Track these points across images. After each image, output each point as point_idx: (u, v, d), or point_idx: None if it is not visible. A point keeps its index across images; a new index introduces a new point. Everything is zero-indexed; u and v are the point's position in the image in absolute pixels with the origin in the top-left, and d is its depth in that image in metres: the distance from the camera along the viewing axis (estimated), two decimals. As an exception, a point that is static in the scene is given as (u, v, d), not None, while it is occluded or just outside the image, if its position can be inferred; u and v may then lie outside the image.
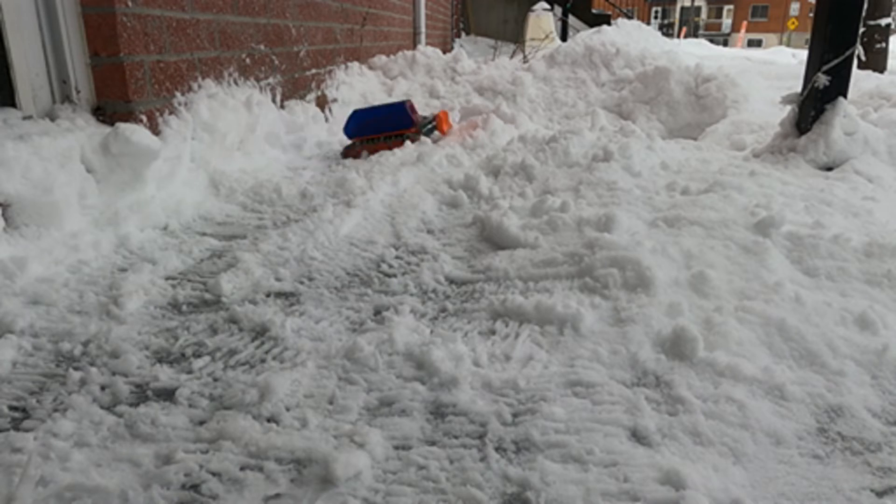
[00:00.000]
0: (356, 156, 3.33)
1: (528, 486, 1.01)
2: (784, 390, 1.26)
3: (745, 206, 2.24)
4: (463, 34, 12.10)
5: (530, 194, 2.55)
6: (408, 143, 3.35)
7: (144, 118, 2.35)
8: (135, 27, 2.28)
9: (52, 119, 2.12)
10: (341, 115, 4.30)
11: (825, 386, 1.28)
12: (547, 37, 8.61)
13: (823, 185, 2.68)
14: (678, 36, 22.38)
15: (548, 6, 10.27)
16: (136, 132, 2.12)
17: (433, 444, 1.11)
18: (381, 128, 3.43)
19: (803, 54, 6.44)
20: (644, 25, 10.17)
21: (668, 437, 1.12)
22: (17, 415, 1.18)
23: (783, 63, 9.77)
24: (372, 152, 3.30)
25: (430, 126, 3.62)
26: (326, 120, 4.03)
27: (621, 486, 1.01)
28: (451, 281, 1.81)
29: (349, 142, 3.46)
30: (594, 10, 12.46)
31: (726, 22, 49.57)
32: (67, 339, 1.42)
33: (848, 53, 3.05)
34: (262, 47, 3.30)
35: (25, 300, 1.58)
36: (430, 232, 2.22)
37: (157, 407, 1.20)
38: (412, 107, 3.66)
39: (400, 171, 2.80)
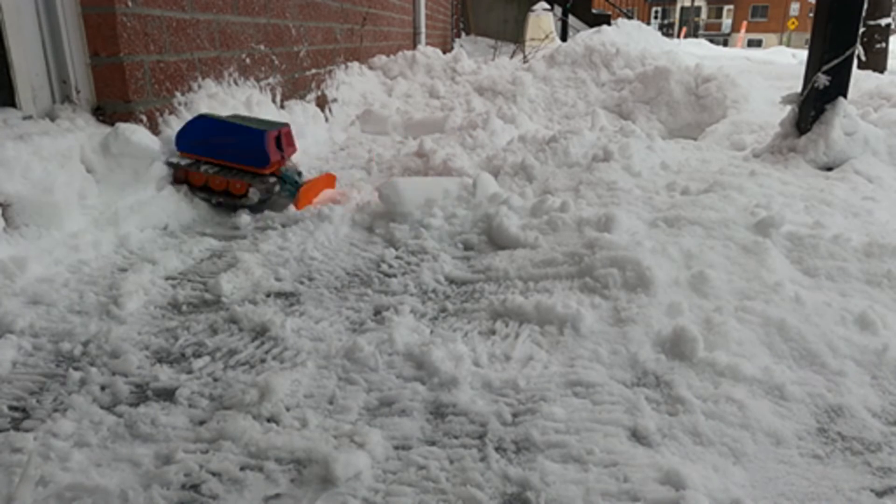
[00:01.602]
0: (183, 180, 2.33)
1: (528, 486, 1.01)
2: (784, 390, 1.26)
3: (745, 206, 2.24)
4: (463, 34, 12.10)
5: (530, 194, 2.55)
6: (251, 192, 2.30)
7: (144, 118, 2.35)
8: (135, 27, 2.28)
9: (52, 119, 2.12)
10: (341, 115, 4.30)
11: (825, 386, 1.28)
12: (547, 37, 8.61)
13: (823, 185, 2.68)
14: (678, 36, 22.37)
15: (548, 6, 10.27)
16: (136, 132, 2.12)
17: (433, 444, 1.11)
18: (223, 153, 2.34)
19: (803, 54, 6.44)
20: (644, 25, 10.18)
21: (668, 437, 1.12)
22: (17, 415, 1.18)
23: (783, 63, 9.77)
24: (198, 184, 2.33)
25: (295, 181, 2.44)
26: (326, 120, 4.03)
27: (621, 486, 1.01)
28: (451, 281, 1.81)
29: (177, 158, 2.34)
30: (594, 10, 12.47)
31: (726, 22, 49.56)
32: (67, 339, 1.42)
33: (848, 53, 3.05)
34: (262, 47, 3.30)
35: (25, 300, 1.58)
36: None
37: (157, 407, 1.20)
38: (285, 138, 2.49)
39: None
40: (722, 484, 1.01)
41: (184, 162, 2.31)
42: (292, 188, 2.42)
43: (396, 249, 2.02)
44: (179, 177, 2.32)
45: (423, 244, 2.05)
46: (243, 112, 2.88)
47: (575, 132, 3.12)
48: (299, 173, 2.50)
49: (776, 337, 1.44)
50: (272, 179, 2.39)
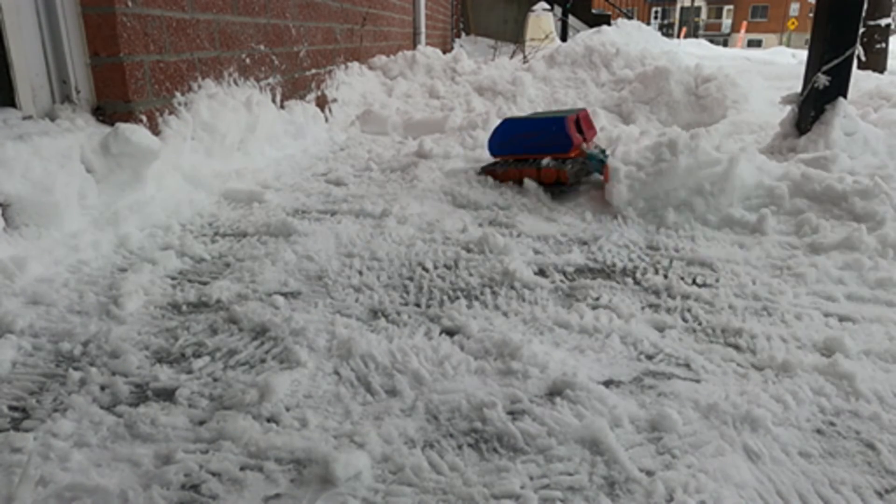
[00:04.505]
0: (498, 177, 2.68)
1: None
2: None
3: (745, 207, 2.24)
4: (463, 34, 12.10)
5: (530, 194, 2.55)
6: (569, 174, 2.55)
7: (144, 118, 2.35)
8: (135, 27, 2.28)
9: (52, 119, 2.12)
10: (341, 115, 4.30)
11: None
12: (547, 37, 8.61)
13: (823, 186, 2.68)
14: (678, 36, 22.37)
15: (548, 6, 10.27)
16: (136, 132, 2.12)
17: (434, 444, 1.11)
18: (530, 147, 2.73)
19: (803, 54, 6.44)
20: (644, 25, 10.18)
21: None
22: (17, 415, 1.18)
23: (783, 63, 9.78)
24: (516, 178, 2.63)
25: (600, 159, 2.70)
26: (326, 120, 4.03)
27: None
28: (451, 281, 1.81)
29: (492, 159, 2.86)
30: (594, 10, 12.48)
31: (726, 22, 49.58)
32: (67, 339, 1.42)
33: (848, 53, 3.05)
34: (262, 47, 3.30)
35: (25, 300, 1.58)
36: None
37: (157, 407, 1.20)
38: (584, 120, 2.90)
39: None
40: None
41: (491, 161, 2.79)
42: (598, 165, 2.66)
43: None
44: (491, 174, 2.67)
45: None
46: (243, 112, 2.88)
47: (575, 132, 3.12)
48: (603, 151, 2.79)
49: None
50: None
